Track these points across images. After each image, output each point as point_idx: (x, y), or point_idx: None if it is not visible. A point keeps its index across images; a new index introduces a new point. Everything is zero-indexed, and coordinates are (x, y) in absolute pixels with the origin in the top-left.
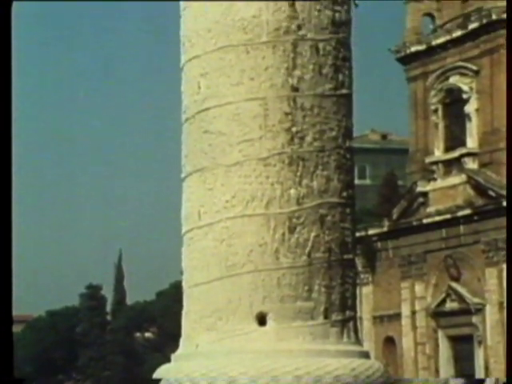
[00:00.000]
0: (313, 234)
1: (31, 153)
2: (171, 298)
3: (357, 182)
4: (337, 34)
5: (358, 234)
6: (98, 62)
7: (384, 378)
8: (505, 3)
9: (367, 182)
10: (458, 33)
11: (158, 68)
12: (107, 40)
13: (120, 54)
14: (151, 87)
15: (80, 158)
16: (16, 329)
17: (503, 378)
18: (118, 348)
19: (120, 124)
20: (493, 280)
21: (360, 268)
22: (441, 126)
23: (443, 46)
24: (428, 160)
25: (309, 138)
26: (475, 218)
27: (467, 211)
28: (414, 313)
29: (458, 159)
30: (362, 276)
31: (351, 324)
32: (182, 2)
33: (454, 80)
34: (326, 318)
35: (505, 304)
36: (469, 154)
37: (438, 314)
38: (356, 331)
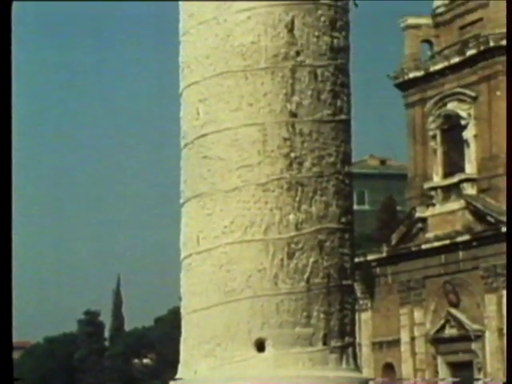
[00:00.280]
0: (311, 260)
1: (30, 180)
2: (170, 324)
3: (356, 207)
4: (335, 60)
5: (356, 260)
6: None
7: None
8: (503, 30)
9: (366, 207)
10: (455, 59)
11: (157, 94)
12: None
13: (120, 79)
14: (150, 113)
15: (78, 182)
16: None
17: None
18: (116, 374)
19: (118, 149)
20: (492, 306)
21: (359, 294)
22: (439, 151)
23: (441, 73)
24: (427, 185)
25: (307, 164)
26: (474, 243)
27: (466, 237)
28: (413, 339)
29: (457, 185)
30: (360, 302)
31: (350, 350)
32: (180, 28)
33: (452, 106)
34: (324, 344)
35: (504, 331)
36: (467, 180)
37: (437, 341)
38: (355, 357)
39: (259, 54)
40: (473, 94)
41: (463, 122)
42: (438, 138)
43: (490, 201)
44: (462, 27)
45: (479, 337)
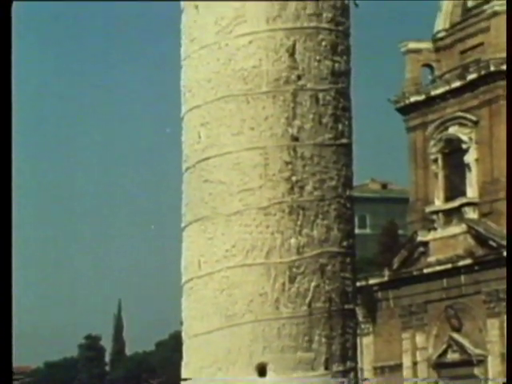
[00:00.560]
0: (313, 284)
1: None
2: (171, 349)
3: (357, 231)
4: (336, 84)
5: (358, 284)
6: (98, 67)
7: None
8: (503, 55)
9: (367, 231)
10: (456, 83)
11: (159, 116)
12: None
13: (120, 102)
14: (151, 136)
15: (79, 207)
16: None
17: None
18: None
19: (120, 173)
20: (494, 331)
21: (361, 318)
22: (441, 175)
23: (442, 97)
24: (428, 209)
25: (309, 188)
26: (476, 268)
27: (468, 261)
28: (415, 364)
29: (458, 209)
30: (362, 326)
31: (352, 375)
32: (182, 52)
33: (453, 130)
34: (326, 368)
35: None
36: (469, 204)
37: (439, 365)
38: (357, 382)
39: (261, 78)
40: (474, 118)
41: (464, 146)
42: (440, 162)
43: (491, 225)
44: (463, 52)
45: (482, 362)
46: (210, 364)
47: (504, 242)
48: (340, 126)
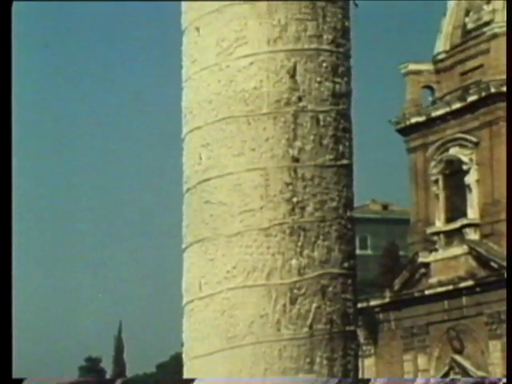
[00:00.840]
0: (314, 305)
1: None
2: (172, 371)
3: (358, 252)
4: (337, 105)
5: (359, 305)
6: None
7: None
8: (503, 76)
9: (368, 252)
10: (457, 105)
11: (160, 137)
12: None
13: (121, 122)
14: (152, 158)
15: (79, 228)
16: None
17: None
18: None
19: (120, 193)
20: (497, 353)
21: (362, 340)
22: (441, 196)
23: (443, 118)
24: (429, 231)
25: (310, 209)
26: (477, 289)
27: (469, 282)
28: None
29: (459, 230)
30: (364, 348)
31: None
32: (183, 74)
33: (453, 151)
34: None
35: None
36: (470, 225)
37: None
38: None
39: (261, 99)
40: (474, 139)
41: (465, 167)
42: (440, 183)
43: (492, 246)
44: (463, 73)
45: None
46: None
47: (505, 264)
48: (341, 147)
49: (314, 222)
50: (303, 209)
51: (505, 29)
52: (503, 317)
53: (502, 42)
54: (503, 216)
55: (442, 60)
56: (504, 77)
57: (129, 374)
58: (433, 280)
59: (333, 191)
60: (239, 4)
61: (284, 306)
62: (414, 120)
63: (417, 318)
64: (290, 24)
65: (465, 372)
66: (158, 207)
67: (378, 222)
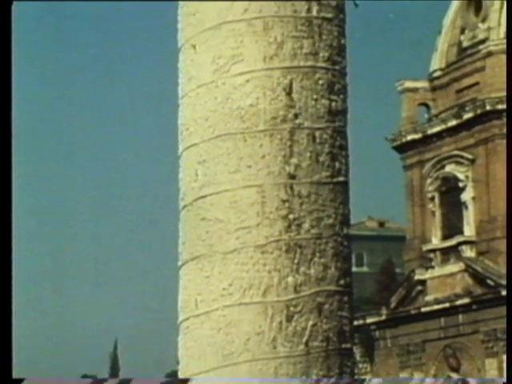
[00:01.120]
0: (310, 323)
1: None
2: None
3: (354, 269)
4: (333, 122)
5: (356, 323)
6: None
7: None
8: (499, 94)
9: (365, 269)
10: (453, 122)
11: (156, 156)
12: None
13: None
14: (148, 174)
15: (75, 245)
16: None
17: None
18: None
19: (117, 209)
20: (493, 371)
21: (358, 357)
22: (438, 213)
23: (439, 135)
24: (425, 248)
25: (306, 226)
26: (474, 307)
27: (466, 300)
28: None
29: (456, 247)
30: (360, 366)
31: None
32: (180, 91)
33: (449, 168)
34: None
35: None
36: (466, 242)
37: None
38: None
39: (258, 116)
40: (470, 156)
41: (461, 185)
42: (437, 200)
43: (488, 263)
44: (459, 91)
45: None
46: None
47: (502, 281)
48: (337, 164)
49: (310, 239)
50: (299, 226)
51: (500, 46)
52: (500, 335)
53: (498, 60)
54: (499, 233)
55: (437, 78)
56: (500, 94)
57: None
58: (429, 297)
59: (329, 208)
60: (235, 22)
61: (280, 323)
62: (410, 137)
63: (413, 336)
64: (286, 41)
65: None
66: (155, 224)
67: (374, 239)
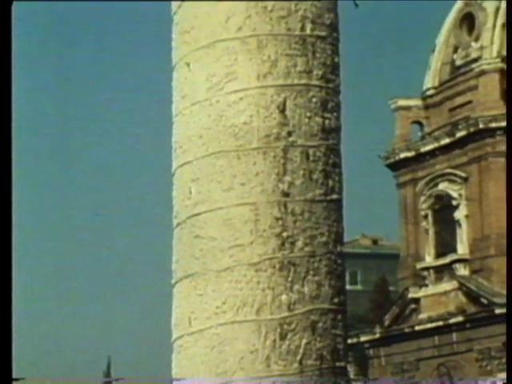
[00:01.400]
0: (304, 341)
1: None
2: None
3: (348, 287)
4: (327, 140)
5: (349, 341)
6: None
7: None
8: (492, 112)
9: (358, 287)
10: (446, 140)
11: (150, 172)
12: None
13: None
14: (142, 191)
15: (73, 261)
16: None
17: None
18: None
19: (111, 228)
20: None
21: (352, 376)
22: (431, 231)
23: (432, 153)
24: (419, 266)
25: (300, 243)
26: (468, 325)
27: (459, 318)
28: None
29: (449, 265)
30: None
31: None
32: (173, 109)
33: (443, 186)
34: None
35: None
36: (460, 261)
37: None
38: None
39: (251, 134)
40: (463, 174)
41: (454, 203)
42: (430, 218)
43: (482, 282)
44: (452, 109)
45: None
46: None
47: (495, 300)
48: (330, 182)
49: (303, 257)
50: (293, 244)
51: (493, 65)
52: (493, 353)
53: (491, 79)
54: (493, 251)
55: (430, 96)
56: (492, 113)
57: None
58: (423, 316)
59: (323, 226)
60: (229, 40)
61: (274, 341)
62: (403, 155)
63: (407, 354)
64: (280, 59)
65: None
66: (149, 241)
67: (367, 256)
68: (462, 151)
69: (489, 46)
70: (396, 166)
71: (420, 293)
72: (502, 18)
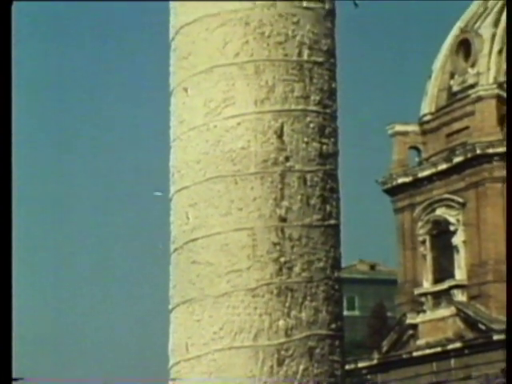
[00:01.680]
0: (301, 367)
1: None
2: None
3: (346, 313)
4: (324, 165)
5: (347, 367)
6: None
7: None
8: (489, 138)
9: (356, 313)
10: (443, 166)
11: (147, 199)
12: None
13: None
14: (140, 217)
15: (73, 281)
16: None
17: None
18: None
19: (108, 252)
20: None
21: None
22: (429, 257)
23: (429, 179)
24: (417, 291)
25: (297, 269)
26: (466, 351)
27: (457, 344)
28: None
29: (447, 291)
30: None
31: None
32: (171, 134)
33: (440, 212)
34: None
35: None
36: (457, 286)
37: None
38: None
39: (249, 159)
40: (461, 200)
41: (452, 228)
42: (428, 244)
43: (480, 307)
44: (449, 135)
45: None
46: None
47: (493, 326)
48: (328, 207)
49: (301, 283)
50: (290, 269)
51: (490, 92)
52: (491, 379)
53: (487, 105)
54: (490, 277)
55: (427, 121)
56: (489, 138)
57: None
58: (421, 342)
59: (320, 251)
60: (227, 65)
61: (271, 367)
62: (400, 180)
63: (405, 380)
64: (278, 85)
65: None
66: (146, 267)
67: (365, 282)
68: (459, 177)
69: (485, 72)
70: (393, 192)
71: (418, 319)
72: (498, 44)
